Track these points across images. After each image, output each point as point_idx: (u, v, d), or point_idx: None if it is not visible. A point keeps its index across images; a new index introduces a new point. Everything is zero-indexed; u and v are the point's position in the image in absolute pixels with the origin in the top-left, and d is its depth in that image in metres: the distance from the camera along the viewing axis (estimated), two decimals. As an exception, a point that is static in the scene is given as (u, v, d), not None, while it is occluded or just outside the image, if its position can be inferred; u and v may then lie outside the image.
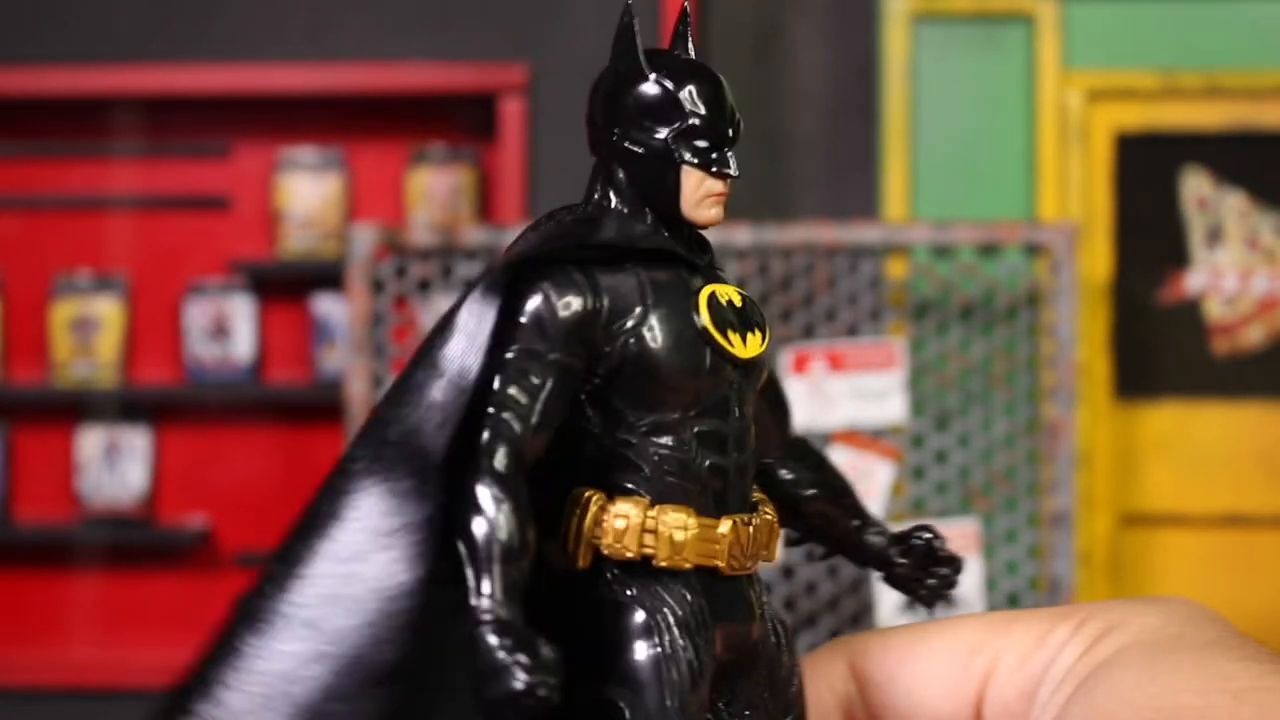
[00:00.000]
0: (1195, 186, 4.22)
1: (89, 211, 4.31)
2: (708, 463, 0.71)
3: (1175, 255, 4.23)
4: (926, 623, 0.78)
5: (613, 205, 0.73)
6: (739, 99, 0.74)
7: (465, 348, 0.67)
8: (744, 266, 3.30)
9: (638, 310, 0.71)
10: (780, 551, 0.75)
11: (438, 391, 0.67)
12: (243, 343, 4.24)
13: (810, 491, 0.80)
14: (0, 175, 4.31)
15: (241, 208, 4.32)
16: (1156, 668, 0.67)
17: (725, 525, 0.71)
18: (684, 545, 0.69)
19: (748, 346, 0.73)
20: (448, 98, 4.17)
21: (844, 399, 3.18)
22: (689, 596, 0.70)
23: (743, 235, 3.22)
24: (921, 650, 0.76)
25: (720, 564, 0.70)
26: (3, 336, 4.30)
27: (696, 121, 0.72)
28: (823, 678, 0.78)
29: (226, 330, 4.24)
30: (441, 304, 3.19)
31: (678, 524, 0.69)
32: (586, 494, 0.70)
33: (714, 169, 0.72)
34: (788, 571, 3.30)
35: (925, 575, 0.80)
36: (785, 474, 0.80)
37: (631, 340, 0.70)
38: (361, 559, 0.66)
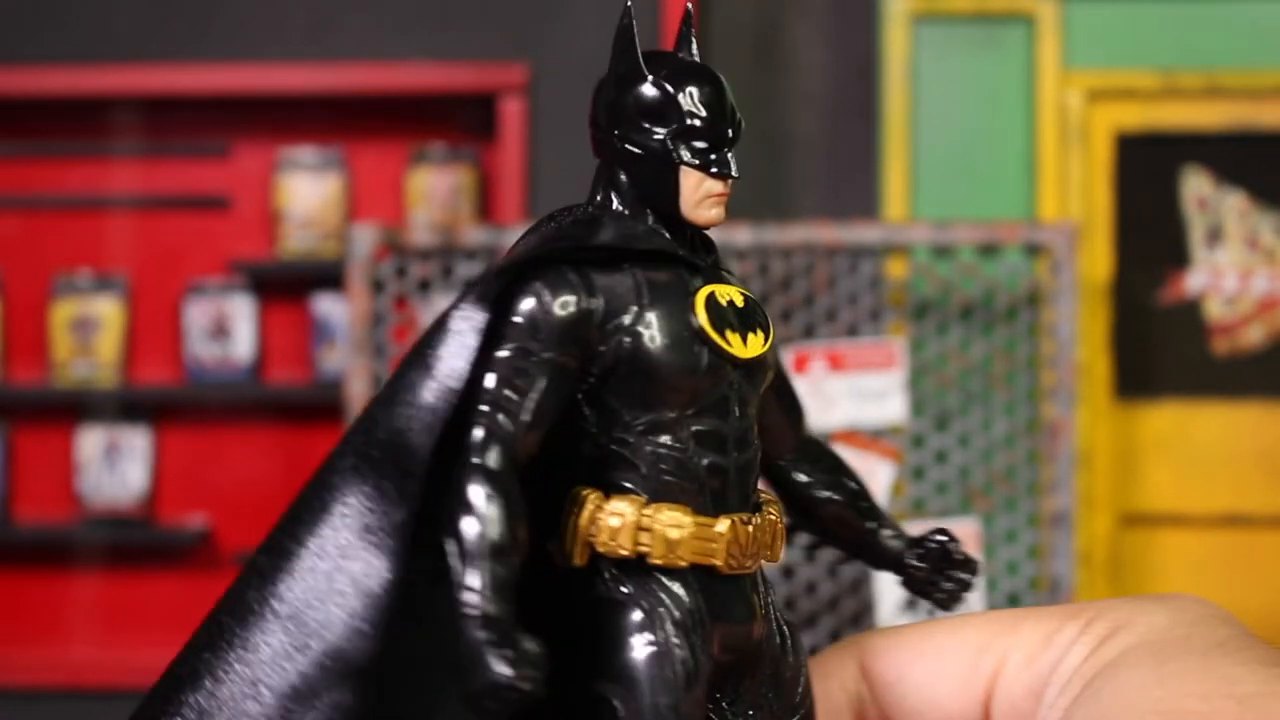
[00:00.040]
0: (1195, 186, 4.22)
1: (89, 211, 4.30)
2: (706, 462, 0.71)
3: (1175, 255, 4.22)
4: (935, 621, 0.78)
5: (614, 207, 0.73)
6: (739, 99, 0.73)
7: (457, 350, 0.68)
8: (744, 266, 3.30)
9: (633, 310, 0.70)
10: (781, 552, 0.75)
11: (429, 393, 0.67)
12: (243, 343, 4.24)
13: (825, 494, 0.79)
14: (0, 175, 4.31)
15: (241, 208, 4.32)
16: (1162, 670, 0.67)
17: (723, 524, 0.70)
18: (679, 543, 0.69)
19: (748, 346, 0.72)
20: (448, 98, 4.17)
21: (844, 399, 3.18)
22: (686, 595, 0.70)
23: (743, 235, 3.22)
24: (930, 649, 0.77)
25: (717, 563, 0.70)
26: (3, 336, 4.30)
27: (695, 122, 0.72)
28: (833, 677, 0.78)
29: (226, 330, 4.24)
30: (441, 304, 3.18)
31: (673, 522, 0.69)
32: (584, 492, 0.70)
33: (713, 170, 0.72)
34: (788, 571, 3.30)
35: (941, 578, 0.80)
36: (800, 476, 0.79)
37: (626, 340, 0.70)
38: (346, 555, 0.66)
